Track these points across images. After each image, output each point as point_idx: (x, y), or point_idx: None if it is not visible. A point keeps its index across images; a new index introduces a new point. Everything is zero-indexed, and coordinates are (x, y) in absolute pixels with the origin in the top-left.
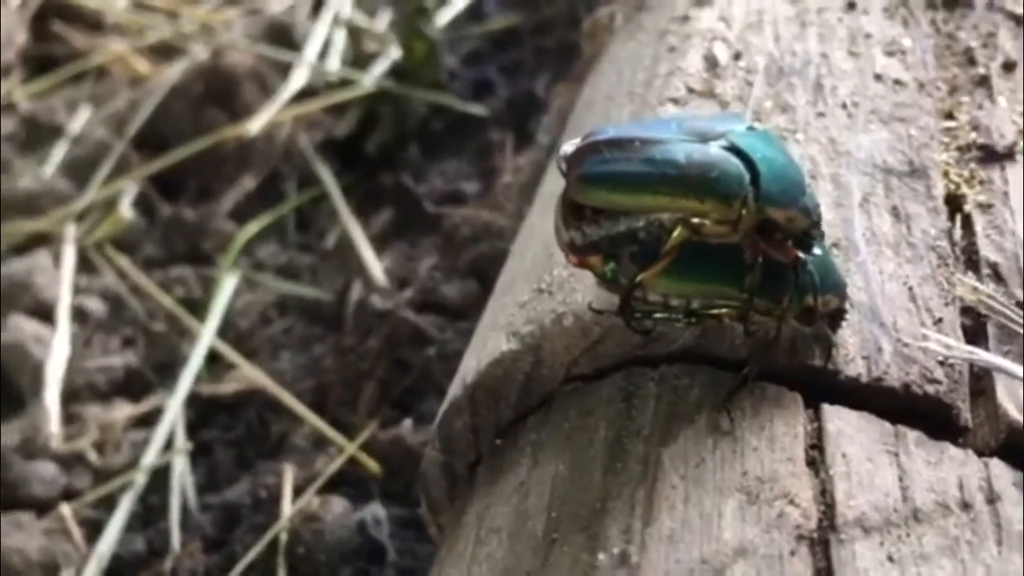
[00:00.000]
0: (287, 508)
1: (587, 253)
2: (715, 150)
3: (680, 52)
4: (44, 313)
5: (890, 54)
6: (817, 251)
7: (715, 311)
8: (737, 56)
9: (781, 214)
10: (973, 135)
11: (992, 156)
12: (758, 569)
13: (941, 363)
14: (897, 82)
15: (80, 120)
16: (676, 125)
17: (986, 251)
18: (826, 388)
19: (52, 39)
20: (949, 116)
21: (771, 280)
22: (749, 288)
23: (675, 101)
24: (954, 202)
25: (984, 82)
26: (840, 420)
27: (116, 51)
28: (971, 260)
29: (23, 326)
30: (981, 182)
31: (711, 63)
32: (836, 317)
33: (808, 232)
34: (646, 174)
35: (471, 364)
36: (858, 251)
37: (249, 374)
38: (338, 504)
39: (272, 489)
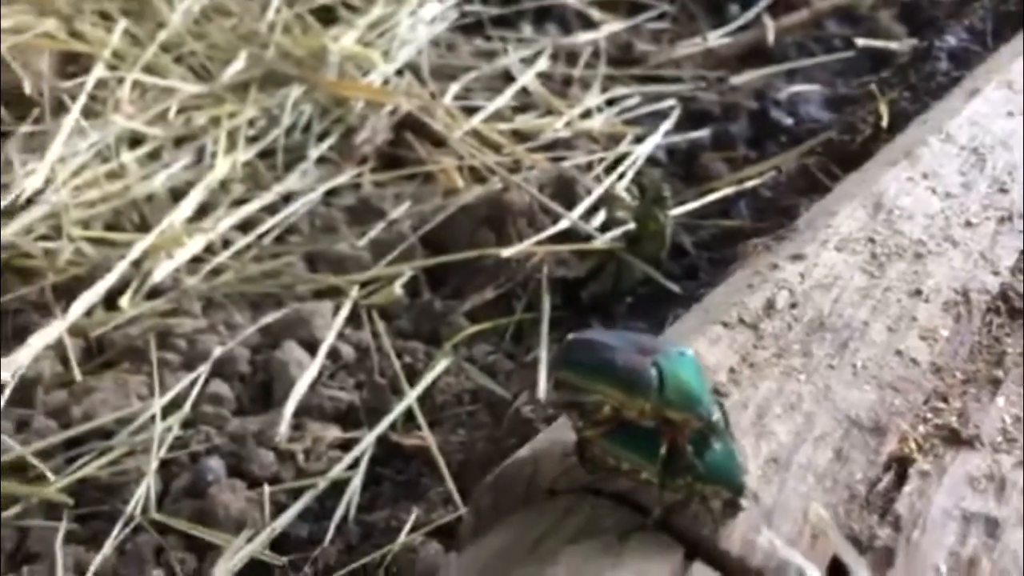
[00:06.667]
0: (401, 538)
1: (563, 410)
2: (642, 361)
3: (753, 290)
4: (311, 346)
5: (923, 338)
6: (717, 449)
7: (636, 475)
8: (793, 305)
9: (677, 415)
10: (952, 419)
11: (955, 440)
12: None
13: None
14: (913, 360)
15: (398, 211)
16: (632, 340)
17: (900, 506)
18: (705, 551)
19: (403, 144)
20: (944, 399)
21: (674, 465)
22: (658, 462)
23: (725, 324)
24: (901, 462)
25: (997, 383)
26: (699, 574)
27: (444, 165)
28: (884, 508)
29: (293, 351)
30: (936, 456)
31: (769, 305)
32: (731, 506)
33: (703, 432)
34: (593, 367)
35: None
36: (788, 470)
37: (427, 436)
38: (433, 548)
39: (401, 522)
